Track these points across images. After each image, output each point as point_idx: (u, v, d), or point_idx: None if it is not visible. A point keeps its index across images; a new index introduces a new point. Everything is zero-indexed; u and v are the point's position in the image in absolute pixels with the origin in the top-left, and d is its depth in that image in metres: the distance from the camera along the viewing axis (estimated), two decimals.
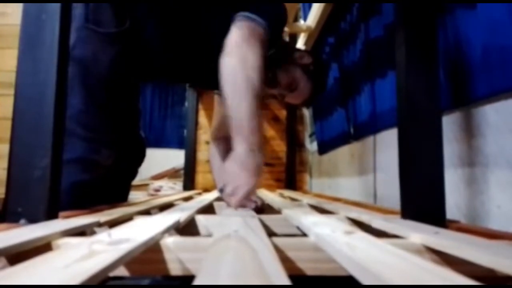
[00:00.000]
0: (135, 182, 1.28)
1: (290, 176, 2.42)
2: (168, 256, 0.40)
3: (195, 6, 0.97)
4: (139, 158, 1.13)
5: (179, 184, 2.67)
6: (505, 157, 0.70)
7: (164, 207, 0.89)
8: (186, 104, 2.53)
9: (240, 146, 0.79)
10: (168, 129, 4.15)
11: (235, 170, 0.79)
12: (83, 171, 0.88)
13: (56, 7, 0.57)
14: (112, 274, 0.30)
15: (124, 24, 0.92)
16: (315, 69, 1.09)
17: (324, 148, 2.07)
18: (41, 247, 0.39)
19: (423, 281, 0.24)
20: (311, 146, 2.46)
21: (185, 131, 2.52)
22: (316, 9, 1.76)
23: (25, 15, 0.57)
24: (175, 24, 0.97)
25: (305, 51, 1.24)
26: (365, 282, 0.26)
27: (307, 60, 1.08)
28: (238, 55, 0.82)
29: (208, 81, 1.18)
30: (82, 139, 0.88)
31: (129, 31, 0.93)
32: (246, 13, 0.88)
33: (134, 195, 1.99)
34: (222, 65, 0.84)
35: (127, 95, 1.02)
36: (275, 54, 1.04)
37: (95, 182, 0.91)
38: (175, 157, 3.47)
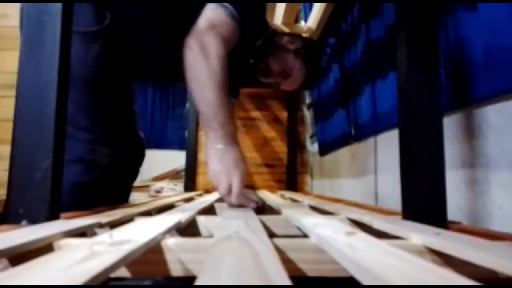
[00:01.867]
0: (136, 183, 1.28)
1: (291, 177, 2.42)
2: (169, 257, 0.40)
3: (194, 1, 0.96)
4: (139, 158, 1.12)
5: (180, 185, 2.67)
6: (506, 158, 0.70)
7: (165, 208, 0.89)
8: (187, 105, 2.53)
9: (212, 141, 0.78)
10: (169, 130, 4.15)
11: (217, 169, 0.78)
12: (82, 171, 0.88)
13: (57, 8, 0.57)
14: (113, 275, 0.30)
15: (105, 20, 0.91)
16: (306, 52, 1.08)
17: (325, 149, 2.07)
18: (43, 248, 0.39)
19: (424, 282, 0.24)
20: (312, 147, 2.45)
21: (186, 132, 2.52)
22: (316, 10, 1.76)
23: (26, 16, 0.57)
24: (174, 21, 0.97)
25: (294, 35, 1.21)
26: (366, 283, 0.26)
27: (297, 44, 1.07)
28: (199, 45, 0.80)
29: None
30: (78, 140, 0.88)
31: (112, 27, 0.91)
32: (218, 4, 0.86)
33: (135, 197, 1.99)
34: (184, 56, 0.82)
35: (119, 94, 1.01)
36: (264, 43, 1.02)
37: (95, 183, 0.91)
38: (176, 158, 3.47)
